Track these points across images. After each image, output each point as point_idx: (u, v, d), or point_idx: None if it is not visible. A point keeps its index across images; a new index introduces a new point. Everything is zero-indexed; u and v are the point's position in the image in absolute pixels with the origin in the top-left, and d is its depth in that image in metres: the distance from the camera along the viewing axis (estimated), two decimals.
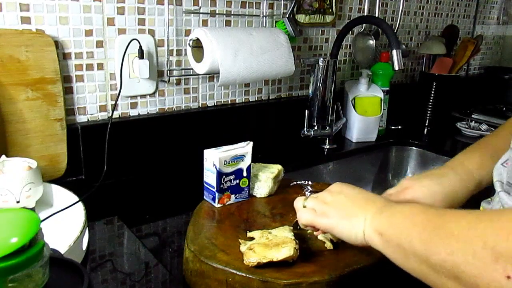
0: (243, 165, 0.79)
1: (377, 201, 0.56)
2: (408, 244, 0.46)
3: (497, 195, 0.56)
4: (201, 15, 1.03)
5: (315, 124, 1.22)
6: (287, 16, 1.12)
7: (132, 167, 0.98)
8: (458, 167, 0.70)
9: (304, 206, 0.62)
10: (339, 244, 0.64)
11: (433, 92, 1.52)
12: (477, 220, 0.40)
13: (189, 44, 0.97)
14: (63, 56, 0.87)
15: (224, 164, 0.76)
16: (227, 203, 0.78)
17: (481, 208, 0.64)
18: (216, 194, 0.77)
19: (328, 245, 0.64)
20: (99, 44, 0.91)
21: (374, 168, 1.36)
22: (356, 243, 0.55)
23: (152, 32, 0.97)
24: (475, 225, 0.40)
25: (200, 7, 1.01)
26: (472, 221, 0.41)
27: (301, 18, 1.21)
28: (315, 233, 0.67)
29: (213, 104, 1.12)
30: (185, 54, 1.03)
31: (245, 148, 0.79)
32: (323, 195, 0.61)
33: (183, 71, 1.04)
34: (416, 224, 0.46)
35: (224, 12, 1.07)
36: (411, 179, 0.71)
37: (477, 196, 0.69)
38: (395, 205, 0.53)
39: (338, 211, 0.57)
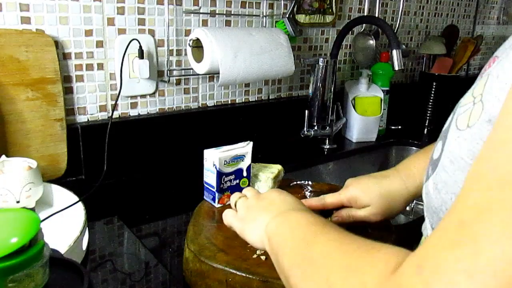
0: (243, 165, 0.79)
1: (286, 203, 0.55)
2: (281, 258, 0.45)
3: (425, 223, 0.51)
4: (201, 15, 1.03)
5: (315, 124, 1.22)
6: (287, 16, 1.12)
7: (132, 167, 0.98)
8: (402, 169, 0.70)
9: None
10: None
11: (433, 92, 1.52)
12: (338, 249, 0.39)
13: (189, 44, 0.97)
14: (63, 56, 0.87)
15: (224, 164, 0.76)
16: (227, 203, 0.78)
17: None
18: (216, 194, 0.77)
19: None
20: (99, 44, 0.91)
21: (374, 168, 1.36)
22: (258, 248, 0.54)
23: (152, 32, 0.97)
24: (331, 255, 0.38)
25: (200, 7, 1.01)
26: (332, 250, 0.39)
27: (301, 18, 1.21)
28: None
29: (213, 104, 1.12)
30: (185, 54, 1.03)
31: (245, 148, 0.79)
32: (251, 199, 0.60)
33: (183, 71, 1.04)
34: (292, 238, 0.45)
35: (224, 12, 1.07)
36: (353, 179, 0.71)
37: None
38: (294, 211, 0.52)
39: (250, 215, 0.56)
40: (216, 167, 0.76)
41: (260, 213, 0.54)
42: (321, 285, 0.36)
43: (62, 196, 0.76)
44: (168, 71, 1.01)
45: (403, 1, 1.44)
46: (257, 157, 0.89)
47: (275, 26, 1.14)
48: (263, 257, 0.60)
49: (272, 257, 0.48)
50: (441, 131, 0.47)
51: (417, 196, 0.66)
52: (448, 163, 0.40)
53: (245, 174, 0.79)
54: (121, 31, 0.93)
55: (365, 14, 1.38)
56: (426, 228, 0.50)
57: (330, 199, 0.71)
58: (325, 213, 0.70)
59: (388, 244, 0.36)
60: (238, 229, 0.57)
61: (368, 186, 0.68)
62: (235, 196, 0.63)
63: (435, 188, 0.43)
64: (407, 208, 1.08)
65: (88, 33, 0.89)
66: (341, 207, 0.71)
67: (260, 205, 0.57)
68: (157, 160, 1.02)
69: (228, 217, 0.60)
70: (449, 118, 0.46)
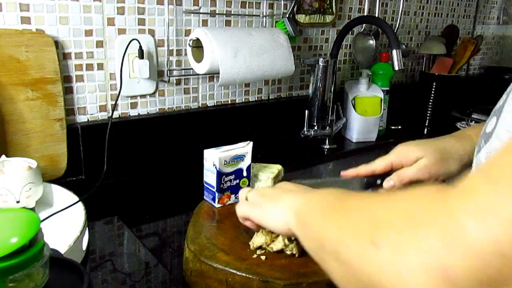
0: (243, 165, 0.79)
1: (306, 188, 0.53)
2: (310, 227, 0.43)
3: None
4: (201, 15, 1.03)
5: (315, 124, 1.22)
6: (287, 16, 1.12)
7: (132, 167, 0.98)
8: (457, 133, 0.69)
9: (247, 199, 0.60)
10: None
11: (433, 92, 1.52)
12: (379, 199, 0.37)
13: (189, 44, 0.97)
14: (63, 56, 0.87)
15: (224, 164, 0.76)
16: (227, 203, 0.78)
17: None
18: (216, 194, 0.77)
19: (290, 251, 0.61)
20: (99, 44, 0.91)
21: None
22: (279, 229, 0.52)
23: (152, 32, 0.97)
24: (372, 202, 0.37)
25: (200, 7, 1.01)
26: (372, 200, 0.37)
27: (301, 18, 1.21)
28: (254, 241, 0.63)
29: (213, 104, 1.12)
30: (185, 54, 1.03)
31: (245, 148, 0.79)
32: (264, 189, 0.59)
33: (183, 71, 1.04)
34: (323, 206, 0.44)
35: (224, 12, 1.07)
36: (404, 143, 0.69)
37: None
38: (320, 189, 0.50)
39: (269, 200, 0.55)
40: (216, 167, 0.76)
41: (281, 196, 0.53)
42: (364, 229, 0.34)
43: (62, 196, 0.76)
44: (168, 71, 1.01)
45: (403, 1, 1.44)
46: (257, 157, 0.89)
47: (275, 26, 1.14)
48: (263, 257, 0.60)
49: (300, 232, 0.46)
50: (494, 109, 0.48)
51: (472, 157, 0.63)
52: (503, 132, 0.42)
53: (245, 174, 0.79)
54: (121, 31, 0.93)
55: (365, 14, 1.38)
56: None
57: (379, 162, 0.68)
58: (369, 184, 0.68)
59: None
60: (256, 216, 0.56)
61: (420, 142, 0.66)
62: (244, 190, 0.61)
63: (487, 157, 0.44)
64: None
65: (88, 33, 0.89)
66: (390, 172, 0.67)
67: (277, 191, 0.55)
68: (157, 160, 1.02)
69: (242, 207, 0.58)
70: (503, 96, 0.47)
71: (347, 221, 0.37)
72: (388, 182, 0.66)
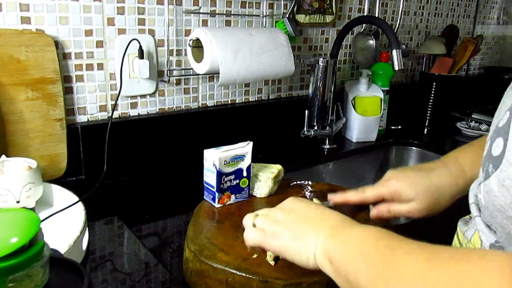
0: (243, 165, 0.79)
1: (331, 219, 0.50)
2: (354, 278, 0.42)
3: (473, 219, 0.50)
4: (201, 15, 1.03)
5: (315, 124, 1.22)
6: (287, 16, 1.12)
7: (132, 167, 0.98)
8: (450, 162, 0.65)
9: (254, 225, 0.55)
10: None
11: (433, 92, 1.52)
12: (429, 267, 0.35)
13: (189, 44, 0.97)
14: (63, 56, 0.87)
15: (224, 164, 0.76)
16: (227, 203, 0.78)
17: (457, 228, 0.56)
18: (216, 194, 0.77)
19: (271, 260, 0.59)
20: (99, 44, 0.91)
21: (374, 168, 1.36)
22: (308, 267, 0.49)
23: (152, 32, 0.97)
24: (425, 275, 0.35)
25: (200, 7, 1.01)
26: (423, 269, 0.36)
27: (301, 18, 1.21)
28: (268, 259, 0.59)
29: (213, 104, 1.12)
30: (185, 54, 1.03)
31: (245, 148, 0.79)
32: (274, 213, 0.55)
33: (183, 71, 1.04)
34: (365, 255, 0.42)
35: (224, 12, 1.07)
36: (396, 171, 0.66)
37: (456, 210, 0.63)
38: (349, 226, 0.48)
39: (289, 232, 0.51)
40: (216, 167, 0.76)
41: (306, 229, 0.49)
42: None
43: (62, 196, 0.76)
44: (168, 71, 1.01)
45: (403, 1, 1.44)
46: (257, 157, 0.89)
47: (275, 26, 1.14)
48: (272, 262, 0.58)
49: (338, 279, 0.44)
50: (496, 128, 0.46)
51: (465, 193, 0.61)
52: None
53: (245, 174, 0.79)
54: (121, 31, 0.93)
55: (365, 14, 1.38)
56: (476, 226, 0.47)
57: (370, 192, 0.66)
58: (360, 207, 0.67)
59: (484, 249, 0.34)
60: (276, 248, 0.52)
61: (414, 179, 0.63)
62: (249, 216, 0.57)
63: (501, 185, 0.42)
64: None
65: (88, 33, 0.89)
66: (380, 201, 0.66)
67: (295, 219, 0.52)
68: (157, 160, 1.02)
69: (254, 234, 0.54)
70: (506, 115, 0.44)
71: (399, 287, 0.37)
72: (376, 213, 0.66)
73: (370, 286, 0.40)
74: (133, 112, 1.00)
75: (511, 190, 0.41)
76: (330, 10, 1.28)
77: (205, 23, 1.05)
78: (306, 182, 0.88)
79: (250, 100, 1.20)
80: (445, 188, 0.63)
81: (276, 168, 0.84)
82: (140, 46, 0.92)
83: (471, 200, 0.51)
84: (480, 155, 0.59)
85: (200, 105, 1.10)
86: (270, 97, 1.24)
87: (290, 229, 0.51)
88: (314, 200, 0.72)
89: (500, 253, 0.33)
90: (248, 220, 0.57)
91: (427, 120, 1.54)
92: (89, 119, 0.94)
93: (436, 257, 0.36)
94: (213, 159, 0.76)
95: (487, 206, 0.45)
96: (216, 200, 0.77)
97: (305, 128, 1.20)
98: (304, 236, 0.49)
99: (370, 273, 0.40)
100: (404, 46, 1.51)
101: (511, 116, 0.43)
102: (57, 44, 0.85)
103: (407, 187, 0.63)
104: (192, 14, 1.02)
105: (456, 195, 0.64)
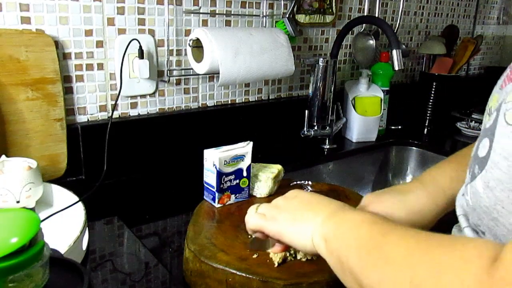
0: (243, 165, 0.79)
1: (331, 205, 0.51)
2: (345, 259, 0.43)
3: (463, 230, 0.49)
4: (201, 15, 1.03)
5: (315, 124, 1.22)
6: (287, 16, 1.12)
7: (132, 167, 0.98)
8: (427, 182, 0.64)
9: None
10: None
11: (433, 92, 1.52)
12: (417, 247, 0.37)
13: (189, 44, 0.97)
14: (63, 56, 0.87)
15: (224, 164, 0.76)
16: (227, 203, 0.78)
17: (452, 233, 0.56)
18: (216, 194, 0.77)
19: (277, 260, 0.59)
20: (99, 44, 0.91)
21: (374, 168, 1.36)
22: (306, 251, 0.51)
23: (152, 32, 0.97)
24: (411, 254, 0.37)
25: (200, 7, 1.01)
26: (411, 248, 0.37)
27: (301, 18, 1.21)
28: (270, 250, 0.60)
29: (213, 104, 1.12)
30: (185, 54, 1.03)
31: (245, 148, 0.79)
32: (276, 200, 0.56)
33: (183, 71, 1.04)
34: (358, 238, 0.43)
35: (224, 12, 1.07)
36: (372, 195, 0.65)
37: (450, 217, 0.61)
38: (348, 211, 0.49)
39: (288, 215, 0.52)
40: (216, 167, 0.76)
41: (304, 213, 0.51)
42: (404, 286, 0.35)
43: (62, 196, 0.76)
44: (168, 71, 1.01)
45: (403, 1, 1.44)
46: (257, 157, 0.89)
47: (275, 26, 1.14)
48: (276, 263, 0.59)
49: (331, 259, 0.46)
50: (484, 129, 0.46)
51: (448, 211, 0.61)
52: (501, 160, 0.40)
53: (245, 174, 0.79)
54: (121, 31, 0.93)
55: (365, 14, 1.38)
56: (462, 230, 0.47)
57: None
58: None
59: (469, 237, 0.34)
60: (274, 230, 0.53)
61: (392, 204, 0.62)
62: (253, 206, 0.59)
63: (486, 186, 0.42)
64: None
65: (88, 33, 0.89)
66: None
67: (295, 205, 0.53)
68: (157, 160, 1.02)
69: (255, 219, 0.55)
70: (493, 116, 0.44)
71: (385, 273, 0.38)
72: None
73: (359, 267, 0.41)
74: (133, 112, 1.00)
75: (496, 192, 0.40)
76: (330, 10, 1.28)
77: (205, 23, 1.05)
78: (306, 182, 0.88)
79: (250, 100, 1.20)
80: (424, 210, 0.62)
81: (276, 168, 0.84)
82: (140, 46, 0.92)
83: (458, 211, 0.51)
84: (459, 169, 0.59)
85: (200, 105, 1.10)
86: (270, 97, 1.24)
87: (290, 213, 0.53)
88: None
89: (482, 241, 0.34)
90: (251, 208, 0.59)
91: (427, 120, 1.55)
92: (89, 119, 0.94)
93: (425, 244, 0.37)
94: (213, 159, 0.76)
95: (475, 208, 0.45)
96: (216, 200, 0.77)
97: (305, 128, 1.20)
98: (303, 220, 0.51)
99: (360, 255, 0.42)
100: (404, 46, 1.51)
101: (497, 116, 0.42)
102: (57, 44, 0.85)
103: (385, 213, 0.62)
104: (192, 14, 1.02)
105: (437, 216, 0.63)
